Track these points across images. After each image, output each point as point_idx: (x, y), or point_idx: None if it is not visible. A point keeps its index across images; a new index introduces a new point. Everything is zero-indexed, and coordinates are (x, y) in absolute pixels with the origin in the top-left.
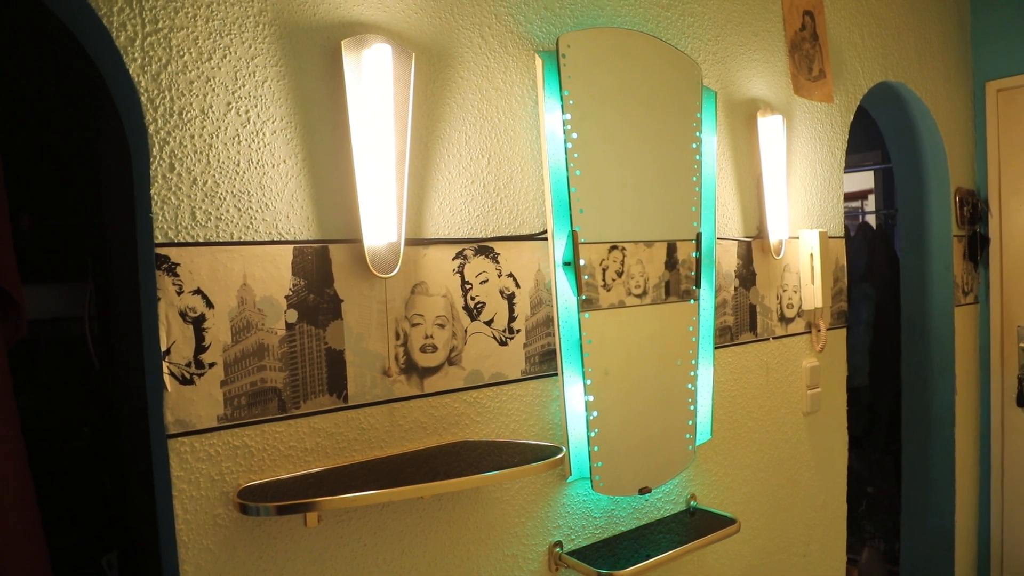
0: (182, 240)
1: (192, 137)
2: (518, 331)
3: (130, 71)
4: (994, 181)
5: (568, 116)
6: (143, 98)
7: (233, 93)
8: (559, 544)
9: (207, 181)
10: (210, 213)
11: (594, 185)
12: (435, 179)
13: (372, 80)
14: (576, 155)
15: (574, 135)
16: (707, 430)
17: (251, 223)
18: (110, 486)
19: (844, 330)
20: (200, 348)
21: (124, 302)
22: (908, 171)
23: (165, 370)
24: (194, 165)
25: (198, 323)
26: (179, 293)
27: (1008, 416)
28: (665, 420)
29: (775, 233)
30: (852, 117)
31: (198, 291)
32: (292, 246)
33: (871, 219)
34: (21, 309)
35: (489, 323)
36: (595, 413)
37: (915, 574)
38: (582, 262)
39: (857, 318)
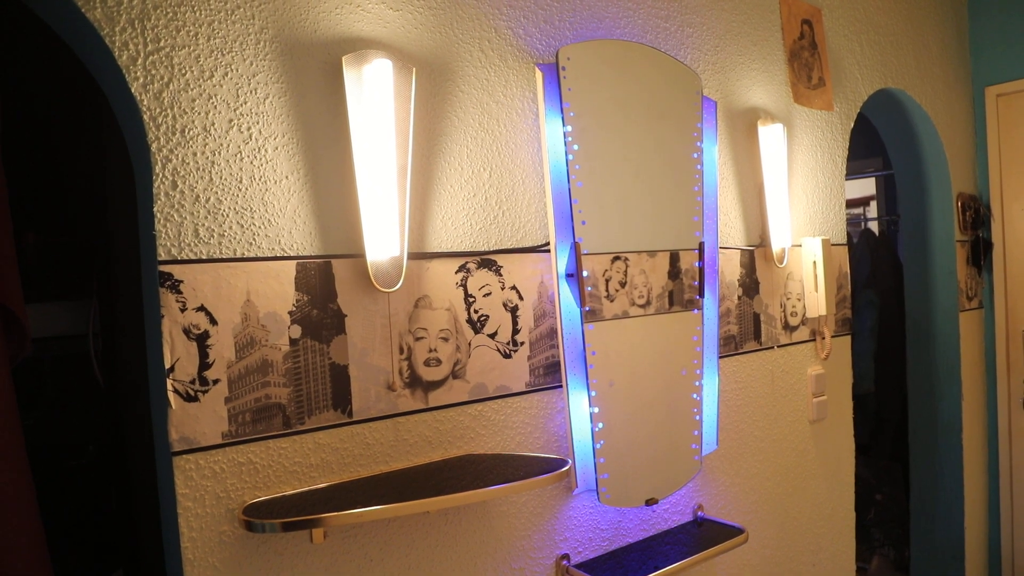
0: (185, 257)
1: (194, 154)
2: (522, 343)
3: (132, 90)
4: (996, 186)
5: (569, 128)
6: (145, 116)
7: (235, 110)
8: (566, 557)
9: (210, 198)
10: (213, 230)
11: (596, 196)
12: (437, 193)
13: (373, 95)
14: (577, 166)
15: (575, 147)
16: (713, 440)
17: (254, 239)
18: (115, 504)
19: (849, 337)
20: (204, 365)
21: (128, 320)
22: (909, 177)
23: (169, 387)
24: (197, 182)
25: (202, 340)
26: (183, 310)
27: (1015, 420)
28: (671, 430)
29: (778, 241)
30: (852, 124)
31: (201, 308)
32: (295, 262)
33: (873, 225)
34: (25, 327)
35: (493, 336)
36: (600, 425)
37: None
38: (585, 273)
39: (861, 325)
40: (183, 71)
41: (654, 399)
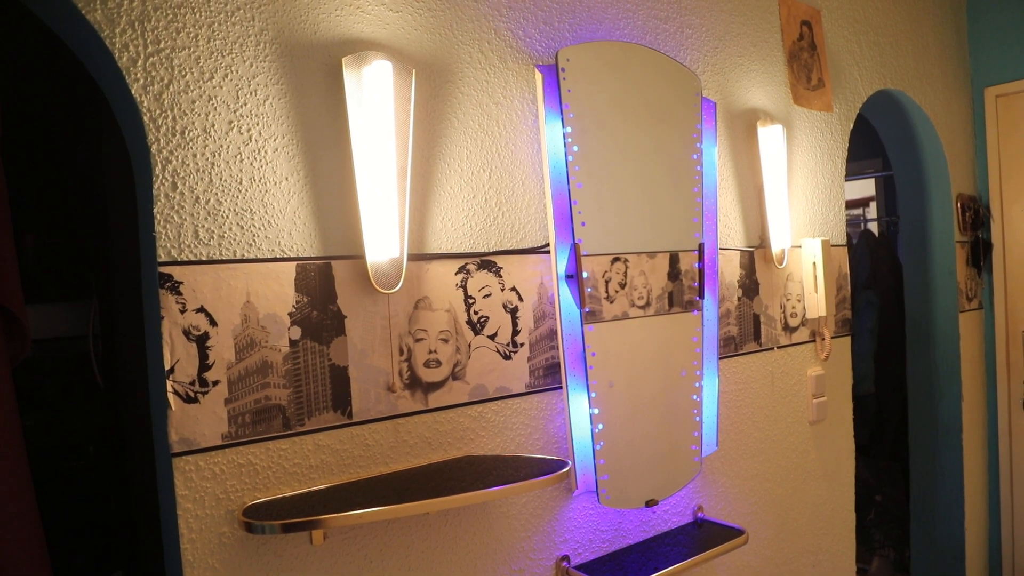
0: (185, 258)
1: (194, 156)
2: (522, 345)
3: (132, 91)
4: (995, 186)
5: (568, 129)
6: (145, 118)
7: (235, 112)
8: (566, 558)
9: (209, 199)
10: (213, 231)
11: (595, 197)
12: (437, 194)
13: (373, 97)
14: (577, 168)
15: (575, 148)
16: (713, 441)
17: (254, 241)
18: (115, 505)
19: (849, 338)
20: (204, 366)
21: (128, 321)
22: (909, 178)
23: (169, 388)
24: (196, 184)
25: (202, 341)
26: (183, 311)
27: (1015, 420)
28: (671, 431)
29: (777, 242)
30: (852, 125)
31: (201, 309)
32: (295, 263)
33: (873, 226)
34: (25, 328)
35: (493, 337)
36: (600, 426)
37: None
38: (585, 274)
39: (862, 326)
40: (183, 73)
41: (654, 400)
